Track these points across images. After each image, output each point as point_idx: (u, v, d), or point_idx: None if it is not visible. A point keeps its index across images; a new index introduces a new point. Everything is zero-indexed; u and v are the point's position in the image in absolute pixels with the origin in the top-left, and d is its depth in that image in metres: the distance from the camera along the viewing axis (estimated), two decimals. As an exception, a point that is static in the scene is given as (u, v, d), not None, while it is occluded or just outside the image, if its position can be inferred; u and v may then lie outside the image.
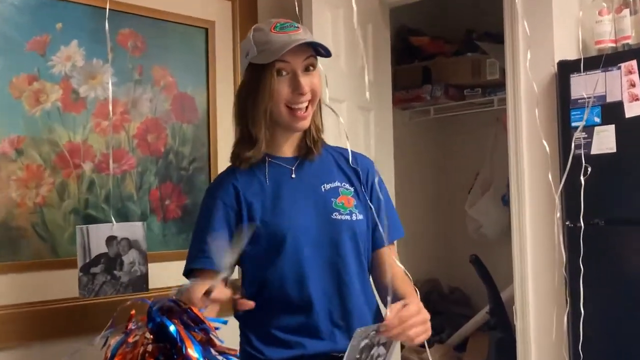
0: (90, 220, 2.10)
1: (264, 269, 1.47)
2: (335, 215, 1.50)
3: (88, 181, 2.14)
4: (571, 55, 2.36)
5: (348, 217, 1.50)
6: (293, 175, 1.54)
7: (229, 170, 1.56)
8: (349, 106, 2.42)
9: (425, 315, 1.34)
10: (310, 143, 1.54)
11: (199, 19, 2.45)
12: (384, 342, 1.30)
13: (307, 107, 1.47)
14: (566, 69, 2.29)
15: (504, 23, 2.49)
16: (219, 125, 2.48)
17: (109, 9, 1.74)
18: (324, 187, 1.53)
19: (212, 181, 1.65)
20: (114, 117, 2.18)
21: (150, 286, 1.99)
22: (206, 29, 2.47)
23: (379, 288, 1.57)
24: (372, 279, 1.59)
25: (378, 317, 1.54)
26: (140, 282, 1.90)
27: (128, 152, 2.26)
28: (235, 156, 1.53)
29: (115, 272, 1.85)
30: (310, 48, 1.45)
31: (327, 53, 1.48)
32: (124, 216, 2.19)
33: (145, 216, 2.28)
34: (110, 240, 1.86)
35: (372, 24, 2.78)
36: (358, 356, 1.26)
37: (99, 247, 1.83)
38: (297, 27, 1.47)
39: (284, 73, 1.45)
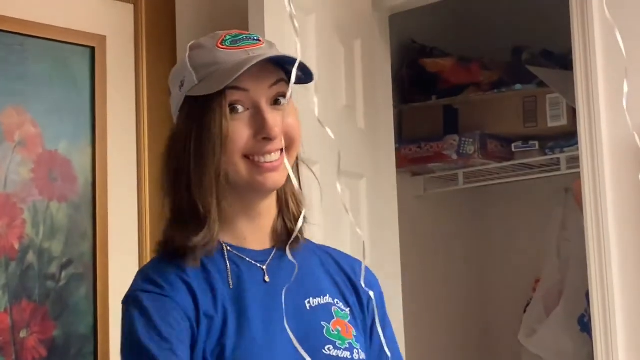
0: None
1: None
2: (329, 349, 1.11)
3: None
4: None
5: (348, 355, 1.11)
6: (267, 279, 1.15)
7: (166, 264, 1.10)
8: (323, 169, 1.73)
9: None
10: (291, 222, 1.15)
11: (81, 32, 1.84)
12: None
13: (280, 157, 1.10)
14: None
15: (572, 35, 1.87)
16: (113, 204, 1.86)
17: None
18: (309, 302, 1.15)
19: (137, 278, 1.12)
20: None
21: None
22: (92, 48, 1.87)
23: None
24: None
25: None
26: None
27: None
28: (173, 246, 1.09)
29: None
30: (280, 70, 1.08)
31: (306, 76, 1.05)
32: None
33: None
34: None
35: (362, 38, 2.11)
36: None
37: None
38: (258, 40, 1.12)
39: (240, 108, 1.06)
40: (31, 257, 1.74)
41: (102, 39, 1.86)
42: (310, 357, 0.92)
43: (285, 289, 1.00)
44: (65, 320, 1.78)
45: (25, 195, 1.74)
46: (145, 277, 1.11)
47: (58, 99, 1.81)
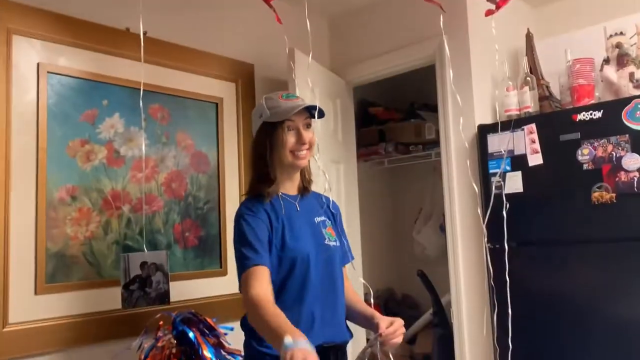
0: (128, 249, 2.22)
1: (279, 280, 1.53)
2: (327, 241, 1.61)
3: (126, 219, 2.25)
4: (487, 120, 2.59)
5: (335, 244, 1.63)
6: (298, 209, 1.62)
7: (254, 200, 1.60)
8: (324, 160, 2.53)
9: (402, 322, 1.53)
10: (306, 184, 1.68)
11: (211, 96, 2.61)
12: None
13: (307, 153, 1.61)
14: (484, 130, 2.50)
15: (437, 98, 2.70)
16: (226, 175, 2.62)
17: (143, 90, 1.97)
18: (316, 219, 1.64)
19: (242, 207, 1.61)
20: (146, 170, 2.33)
21: (173, 299, 2.20)
22: (216, 104, 2.62)
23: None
24: None
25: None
26: (164, 296, 2.05)
27: (157, 197, 2.37)
28: (256, 192, 1.60)
29: (146, 289, 2.02)
30: (307, 112, 1.61)
31: (321, 114, 1.61)
32: (154, 246, 2.32)
33: (170, 245, 2.39)
34: (143, 264, 2.04)
35: (340, 99, 2.99)
36: None
37: (135, 269, 2.00)
38: (298, 97, 1.63)
39: (290, 128, 1.57)
40: (190, 199, 2.46)
41: (221, 99, 2.63)
42: (318, 245, 1.58)
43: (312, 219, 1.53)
44: (206, 228, 2.50)
45: (187, 171, 2.45)
46: (246, 207, 1.59)
47: (201, 127, 2.52)
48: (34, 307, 1.97)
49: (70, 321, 2.05)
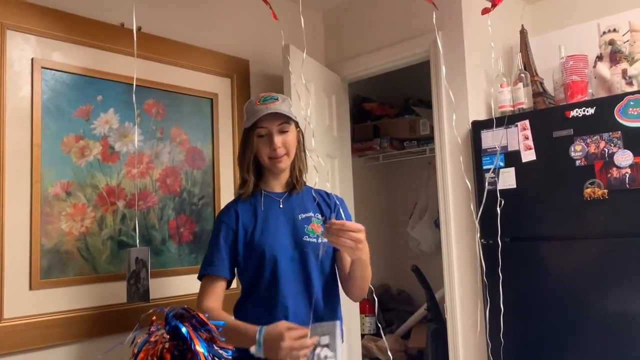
0: (123, 245, 2.22)
1: (252, 274, 1.57)
2: (306, 237, 1.61)
3: (121, 215, 2.25)
4: (481, 116, 2.58)
5: (314, 240, 1.62)
6: (281, 205, 1.64)
7: (235, 200, 1.71)
8: (319, 155, 2.49)
9: (363, 235, 1.43)
10: (295, 181, 1.69)
11: (206, 91, 2.62)
12: (327, 343, 1.38)
13: (283, 156, 1.62)
14: (478, 126, 2.49)
15: (432, 93, 2.70)
16: (221, 171, 2.64)
17: (137, 85, 2.01)
18: (300, 215, 1.64)
19: (222, 207, 1.74)
20: (141, 166, 2.31)
21: (168, 295, 2.23)
22: (211, 99, 2.63)
23: (346, 285, 1.66)
24: (341, 282, 1.68)
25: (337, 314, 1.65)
26: (146, 294, 2.01)
27: (152, 192, 2.36)
28: (237, 193, 1.71)
29: (138, 284, 1.98)
30: (284, 115, 1.60)
31: (290, 119, 1.62)
32: (148, 242, 2.30)
33: (165, 241, 2.37)
34: (137, 260, 1.99)
35: (335, 94, 3.01)
36: None
37: (133, 264, 1.97)
38: (277, 99, 1.59)
39: (264, 133, 1.59)
40: (185, 195, 2.45)
41: (216, 95, 2.61)
42: (296, 241, 1.57)
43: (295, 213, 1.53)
44: (201, 223, 2.49)
45: (182, 166, 2.44)
46: (222, 211, 1.67)
47: (196, 122, 2.51)
48: (28, 303, 1.97)
49: (65, 316, 2.04)
